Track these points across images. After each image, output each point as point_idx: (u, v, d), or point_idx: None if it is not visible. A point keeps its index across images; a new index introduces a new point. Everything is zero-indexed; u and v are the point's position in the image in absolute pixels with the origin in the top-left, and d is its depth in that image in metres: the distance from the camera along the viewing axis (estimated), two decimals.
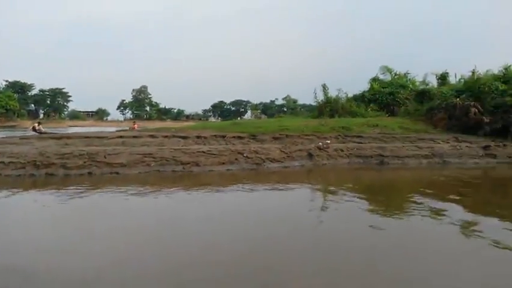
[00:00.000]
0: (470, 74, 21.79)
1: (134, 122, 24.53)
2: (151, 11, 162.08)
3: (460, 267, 4.54)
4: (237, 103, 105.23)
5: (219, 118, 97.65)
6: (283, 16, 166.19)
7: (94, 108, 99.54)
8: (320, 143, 14.40)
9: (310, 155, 13.51)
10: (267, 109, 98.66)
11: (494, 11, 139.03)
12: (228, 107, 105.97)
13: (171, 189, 8.95)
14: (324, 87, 24.10)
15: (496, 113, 17.95)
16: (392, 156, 13.97)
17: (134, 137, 13.63)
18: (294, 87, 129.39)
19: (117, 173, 10.88)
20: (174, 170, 11.23)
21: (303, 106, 79.43)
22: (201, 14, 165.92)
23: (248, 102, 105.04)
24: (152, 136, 13.73)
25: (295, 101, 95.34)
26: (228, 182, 10.36)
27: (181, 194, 8.59)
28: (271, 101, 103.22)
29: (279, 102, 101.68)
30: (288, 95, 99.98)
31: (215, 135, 14.22)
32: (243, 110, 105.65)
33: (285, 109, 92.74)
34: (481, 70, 21.31)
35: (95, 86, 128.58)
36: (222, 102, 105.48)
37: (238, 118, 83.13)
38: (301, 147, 13.98)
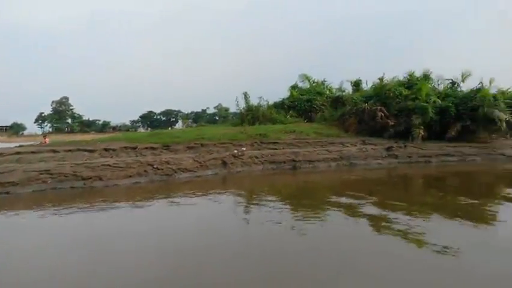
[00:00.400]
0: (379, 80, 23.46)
1: (45, 136, 22.59)
2: (74, 18, 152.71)
3: (372, 262, 4.82)
4: (168, 113, 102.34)
5: (148, 129, 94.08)
6: (212, 24, 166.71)
7: (8, 122, 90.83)
8: (235, 151, 14.43)
9: (224, 163, 13.46)
10: (199, 118, 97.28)
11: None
12: (158, 117, 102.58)
13: (60, 208, 8.27)
14: (245, 95, 24.42)
15: (400, 116, 19.56)
16: (304, 160, 14.45)
17: (33, 152, 12.43)
18: (226, 95, 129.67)
19: (7, 192, 9.90)
20: (73, 187, 10.45)
21: (235, 114, 79.63)
22: (128, 21, 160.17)
23: (179, 111, 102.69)
24: (53, 151, 12.63)
25: (227, 109, 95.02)
26: (133, 195, 9.79)
27: (76, 215, 7.93)
28: (202, 110, 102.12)
29: (211, 111, 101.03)
30: (219, 104, 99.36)
31: (125, 147, 13.52)
32: (173, 119, 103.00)
33: (217, 118, 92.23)
34: (389, 77, 23.00)
35: (10, 99, 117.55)
36: (151, 112, 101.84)
37: (169, 128, 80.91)
38: (216, 155, 13.87)
